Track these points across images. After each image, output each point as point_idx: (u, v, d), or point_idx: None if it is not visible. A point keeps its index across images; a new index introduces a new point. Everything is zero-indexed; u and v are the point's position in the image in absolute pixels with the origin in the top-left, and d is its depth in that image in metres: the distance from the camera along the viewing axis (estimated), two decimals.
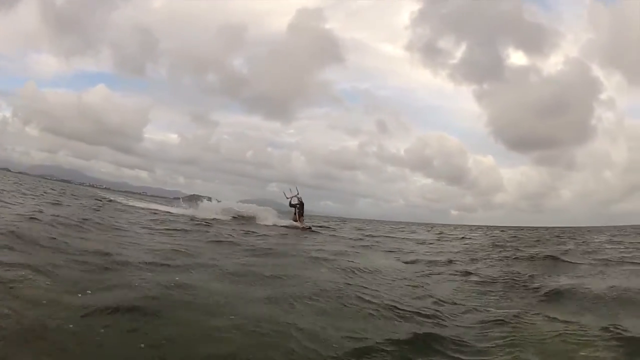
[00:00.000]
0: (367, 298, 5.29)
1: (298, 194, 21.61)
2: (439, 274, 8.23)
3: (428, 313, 4.89)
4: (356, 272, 7.28)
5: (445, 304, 5.56)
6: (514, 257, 10.74)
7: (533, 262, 9.72)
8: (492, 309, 5.33)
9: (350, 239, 15.99)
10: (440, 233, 26.06)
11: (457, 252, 12.28)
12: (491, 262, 9.98)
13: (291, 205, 21.64)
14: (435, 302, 5.63)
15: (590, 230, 34.10)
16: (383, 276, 7.29)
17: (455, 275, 8.03)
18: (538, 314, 5.00)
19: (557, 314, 5.01)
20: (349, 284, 6.13)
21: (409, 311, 4.86)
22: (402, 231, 27.09)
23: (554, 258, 10.06)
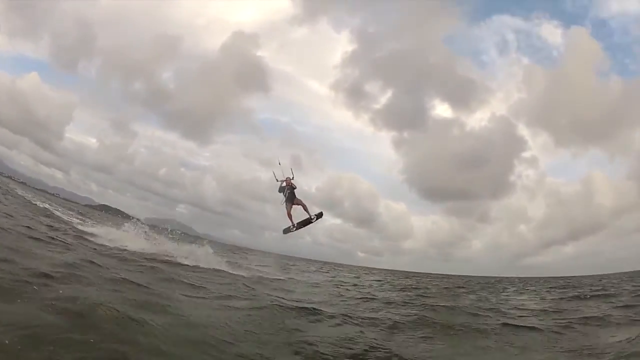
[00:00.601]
0: None
1: (292, 177, 16.59)
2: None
3: None
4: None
5: None
6: (397, 316, 8.91)
7: (415, 325, 7.97)
8: None
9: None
10: (337, 276, 24.19)
11: (338, 301, 10.33)
12: (368, 315, 8.10)
13: (280, 190, 16.76)
14: None
15: (499, 280, 34.45)
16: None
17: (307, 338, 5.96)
18: None
19: None
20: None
21: None
22: (297, 269, 24.62)
23: (445, 326, 8.29)
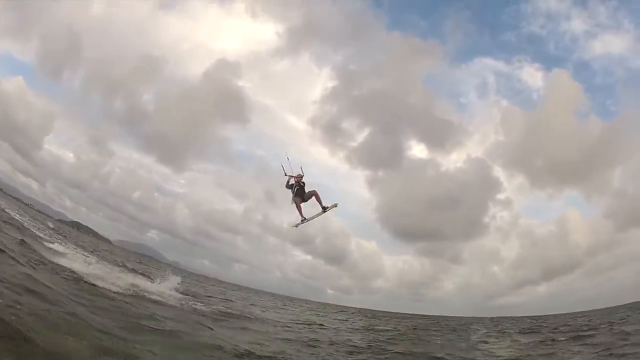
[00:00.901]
0: None
1: (302, 174, 15.98)
2: None
3: None
4: None
5: None
6: None
7: None
8: None
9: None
10: (303, 314, 23.30)
11: (297, 346, 9.81)
12: None
13: (288, 186, 16.15)
14: None
15: (470, 321, 33.66)
16: None
17: None
18: None
19: None
20: None
21: None
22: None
23: None
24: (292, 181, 15.89)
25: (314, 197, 16.05)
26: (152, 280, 17.03)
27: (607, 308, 42.02)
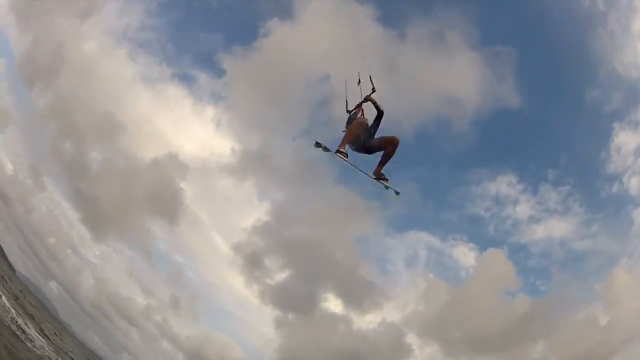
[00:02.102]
0: None
1: (373, 89, 10.32)
2: None
3: None
4: None
5: None
6: None
7: None
8: None
9: None
10: None
11: None
12: None
13: (351, 119, 10.57)
14: None
15: None
16: None
17: None
18: None
19: None
20: None
21: None
22: None
23: None
24: (359, 114, 10.63)
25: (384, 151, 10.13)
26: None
27: None
